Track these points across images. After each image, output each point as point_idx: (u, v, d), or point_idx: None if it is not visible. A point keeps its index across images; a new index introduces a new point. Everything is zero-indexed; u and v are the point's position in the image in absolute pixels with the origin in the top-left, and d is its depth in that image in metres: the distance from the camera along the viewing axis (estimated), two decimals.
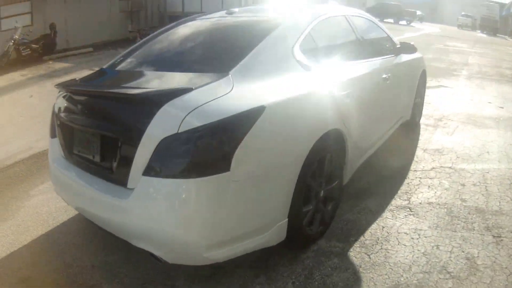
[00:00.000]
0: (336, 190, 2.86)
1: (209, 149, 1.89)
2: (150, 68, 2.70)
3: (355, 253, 2.65)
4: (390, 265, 2.53)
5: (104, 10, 14.42)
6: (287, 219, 2.30)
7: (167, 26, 3.33)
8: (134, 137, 1.98)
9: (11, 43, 10.52)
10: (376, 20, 4.24)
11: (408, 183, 3.67)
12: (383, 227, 2.96)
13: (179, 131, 1.86)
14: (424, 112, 5.73)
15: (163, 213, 1.93)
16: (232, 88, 2.11)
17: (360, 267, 2.50)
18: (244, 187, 2.01)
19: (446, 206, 3.23)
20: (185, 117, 1.89)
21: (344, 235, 2.86)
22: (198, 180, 1.86)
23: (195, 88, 2.06)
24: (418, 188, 3.56)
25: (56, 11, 12.72)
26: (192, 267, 2.38)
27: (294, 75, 2.48)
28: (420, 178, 3.76)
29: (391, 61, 4.00)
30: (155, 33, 3.25)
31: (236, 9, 3.34)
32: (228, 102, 2.02)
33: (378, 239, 2.81)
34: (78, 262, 2.63)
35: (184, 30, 3.16)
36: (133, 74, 2.65)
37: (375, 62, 3.60)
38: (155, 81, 2.43)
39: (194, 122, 1.88)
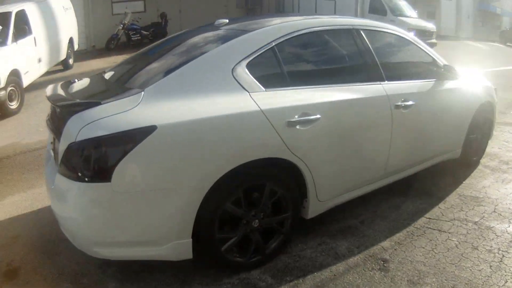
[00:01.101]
0: (286, 222, 2.64)
1: (93, 159, 2.03)
2: (111, 79, 2.83)
3: None
4: None
5: (220, 3, 14.86)
6: (190, 240, 2.27)
7: (161, 40, 3.48)
8: (60, 140, 2.25)
9: (120, 27, 11.80)
10: (415, 38, 3.61)
11: (407, 232, 3.11)
12: (335, 275, 2.60)
13: (76, 140, 2.06)
14: (491, 151, 4.78)
15: (65, 207, 2.22)
16: (136, 105, 2.12)
17: None
18: (126, 199, 2.08)
19: (430, 272, 2.62)
20: (82, 128, 2.06)
21: (283, 272, 2.61)
22: (82, 184, 2.05)
23: (103, 103, 2.17)
24: (415, 240, 2.98)
25: (170, 2, 13.58)
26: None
27: (228, 96, 2.29)
28: (428, 228, 3.14)
29: (420, 87, 3.39)
30: (152, 45, 3.42)
31: (226, 20, 3.07)
32: (124, 118, 2.07)
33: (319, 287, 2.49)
34: None
35: (163, 43, 3.25)
36: (90, 84, 2.88)
37: (383, 87, 3.04)
38: (96, 93, 2.63)
39: (88, 133, 2.04)
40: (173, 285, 2.49)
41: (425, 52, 3.60)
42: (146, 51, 3.31)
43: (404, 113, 3.16)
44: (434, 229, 3.16)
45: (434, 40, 12.83)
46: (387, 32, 3.37)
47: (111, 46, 12.06)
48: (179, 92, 2.23)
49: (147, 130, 2.03)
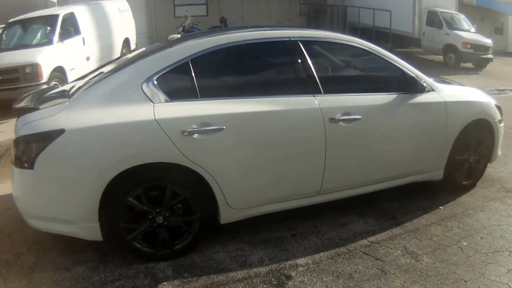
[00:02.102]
0: (194, 224, 2.72)
1: (23, 151, 2.51)
2: (71, 89, 3.06)
3: (171, 287, 2.49)
4: None
5: (284, 11, 14.72)
6: (97, 224, 2.51)
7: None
8: None
9: (180, 30, 12.30)
10: (379, 49, 3.21)
11: (334, 252, 2.82)
12: (228, 281, 2.54)
13: (17, 136, 2.57)
14: (497, 175, 4.13)
15: (13, 186, 2.71)
16: (58, 113, 2.51)
17: None
18: (45, 184, 2.49)
19: None
20: (21, 127, 2.55)
21: (186, 268, 2.67)
22: (18, 170, 2.53)
23: (40, 109, 2.61)
24: (335, 263, 2.70)
25: (232, 6, 13.75)
26: None
27: (141, 106, 2.52)
28: (362, 252, 2.81)
29: (372, 100, 3.06)
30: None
31: (177, 36, 3.26)
32: (46, 122, 2.48)
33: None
34: None
35: (123, 58, 3.52)
36: (55, 93, 3.16)
37: (315, 99, 2.83)
38: (48, 100, 2.88)
39: (23, 131, 2.52)
40: (93, 262, 2.72)
41: (392, 64, 3.20)
42: (106, 64, 3.59)
43: (344, 128, 2.90)
44: (368, 254, 2.82)
45: (490, 56, 12.08)
46: (338, 43, 3.10)
47: None
48: (94, 102, 2.54)
49: (58, 132, 2.42)
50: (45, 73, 6.63)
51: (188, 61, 2.65)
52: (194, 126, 2.51)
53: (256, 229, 3.08)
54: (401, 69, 3.22)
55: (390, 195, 3.55)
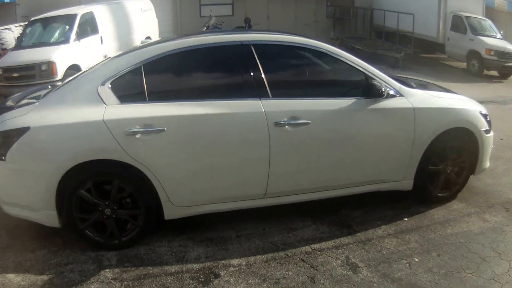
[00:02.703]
0: (139, 218, 2.79)
1: None
2: (48, 91, 3.15)
3: (110, 274, 2.58)
4: None
5: (310, 12, 14.42)
6: (55, 212, 2.67)
7: None
8: None
9: (204, 29, 12.34)
10: (341, 53, 3.01)
11: (271, 256, 2.70)
12: (160, 274, 2.56)
13: None
14: (485, 189, 3.74)
15: None
16: (28, 112, 2.70)
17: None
18: (14, 175, 2.68)
19: None
20: None
21: (129, 259, 2.72)
22: None
23: (16, 108, 2.80)
24: (268, 267, 2.58)
25: (258, 7, 13.62)
26: None
27: (95, 107, 2.64)
28: (299, 259, 2.66)
29: (323, 104, 2.90)
30: None
31: (148, 41, 3.30)
32: (17, 120, 2.66)
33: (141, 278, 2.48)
34: None
35: None
36: (38, 93, 3.24)
37: (261, 103, 2.75)
38: (26, 100, 3.04)
39: (0, 127, 2.70)
40: (55, 247, 2.86)
41: (352, 67, 2.99)
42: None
43: (291, 132, 2.78)
44: (304, 261, 2.67)
45: None
46: (295, 46, 2.97)
47: None
48: (57, 103, 2.73)
49: (24, 129, 2.61)
50: (60, 71, 6.94)
51: (140, 66, 2.74)
52: (137, 127, 2.59)
53: (207, 227, 3.06)
54: (362, 73, 3.01)
55: (356, 203, 3.35)
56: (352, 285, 2.42)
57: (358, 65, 2.99)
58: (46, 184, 2.59)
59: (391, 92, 3.00)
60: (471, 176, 3.55)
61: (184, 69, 2.87)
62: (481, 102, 3.76)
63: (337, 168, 3.00)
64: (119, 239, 2.77)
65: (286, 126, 2.75)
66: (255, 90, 2.77)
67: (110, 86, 2.68)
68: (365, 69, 3.00)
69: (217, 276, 2.53)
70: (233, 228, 3.04)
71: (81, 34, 7.69)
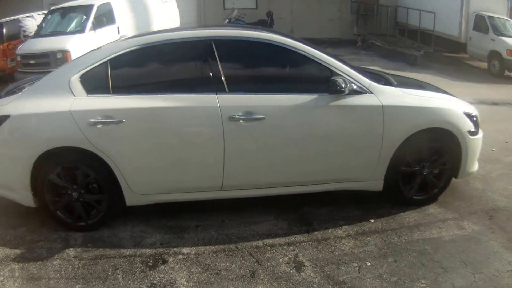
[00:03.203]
0: (103, 203, 2.89)
1: None
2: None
3: (73, 252, 2.71)
4: None
5: (334, 7, 13.84)
6: (30, 193, 2.81)
7: None
8: None
9: (226, 22, 12.29)
10: (306, 49, 2.87)
11: (209, 249, 2.65)
12: (115, 256, 2.64)
13: None
14: (470, 193, 3.41)
15: None
16: (11, 102, 2.85)
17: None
18: None
19: None
20: None
21: (93, 240, 2.83)
22: None
23: (2, 97, 2.97)
24: (200, 256, 2.54)
25: (282, 1, 13.27)
26: None
27: (64, 98, 2.75)
28: (227, 251, 2.60)
29: (280, 100, 2.80)
30: None
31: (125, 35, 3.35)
32: (1, 109, 2.81)
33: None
34: None
35: None
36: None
37: (216, 98, 2.73)
38: (15, 90, 3.15)
39: None
40: (33, 225, 3.01)
41: (316, 63, 2.85)
42: None
43: (245, 127, 2.73)
44: (252, 256, 2.61)
45: None
46: (256, 42, 2.88)
47: None
48: (36, 94, 2.86)
49: (5, 117, 2.76)
50: None
51: (107, 60, 2.81)
52: (99, 118, 2.69)
53: (172, 216, 3.08)
54: (327, 68, 2.85)
55: (326, 201, 3.22)
56: (290, 284, 2.34)
57: (322, 60, 2.84)
58: (23, 168, 2.75)
59: (355, 88, 2.81)
60: (460, 179, 3.29)
61: (146, 63, 2.91)
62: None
63: (295, 165, 2.88)
64: (86, 221, 2.89)
65: (241, 121, 2.70)
66: (212, 85, 2.75)
67: (79, 79, 2.78)
68: (330, 64, 2.84)
69: (165, 262, 2.56)
70: (195, 218, 3.04)
71: (97, 24, 7.80)
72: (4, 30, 8.33)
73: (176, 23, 11.21)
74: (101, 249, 2.71)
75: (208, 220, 3.02)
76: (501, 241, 2.72)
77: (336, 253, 2.58)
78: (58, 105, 2.71)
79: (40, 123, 2.74)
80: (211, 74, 2.76)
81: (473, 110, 3.20)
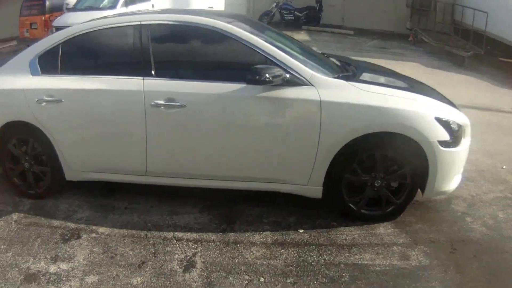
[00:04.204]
0: (47, 174, 2.98)
1: None
2: None
3: (16, 217, 2.82)
4: None
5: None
6: None
7: None
8: None
9: (274, 5, 11.74)
10: (244, 35, 2.50)
11: (135, 233, 2.53)
12: (45, 229, 2.70)
13: None
14: (434, 216, 2.73)
15: None
16: None
17: None
18: None
19: None
20: None
21: (28, 211, 2.89)
22: None
23: None
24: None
25: None
26: None
27: (29, 77, 2.86)
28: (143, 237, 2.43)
29: (203, 88, 2.52)
30: None
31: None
32: None
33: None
34: None
35: None
36: None
37: (142, 82, 2.57)
38: None
39: None
40: (8, 192, 3.16)
41: (254, 51, 2.48)
42: None
43: (166, 114, 2.54)
44: (154, 246, 2.44)
45: None
46: (188, 26, 2.63)
47: (264, 21, 12.36)
48: (5, 71, 2.99)
49: None
50: None
51: (59, 44, 2.85)
52: (44, 97, 2.76)
53: (112, 195, 3.06)
54: (262, 56, 2.46)
55: (263, 201, 2.86)
56: (167, 283, 2.14)
57: (257, 47, 2.46)
58: None
59: (289, 78, 2.38)
60: (440, 197, 2.72)
61: (88, 47, 2.90)
62: None
63: (218, 158, 2.60)
64: (35, 190, 3.04)
65: (162, 108, 2.52)
66: (141, 69, 2.62)
67: (37, 59, 2.88)
68: (265, 52, 2.45)
69: (78, 238, 2.57)
70: (128, 200, 2.97)
71: (130, 1, 7.78)
72: (47, 3, 8.72)
73: (220, 2, 10.86)
74: (38, 216, 2.81)
75: (138, 203, 2.92)
76: (447, 284, 2.09)
77: (236, 261, 2.27)
78: (16, 83, 2.86)
79: (2, 98, 2.93)
80: (142, 58, 2.62)
81: (453, 117, 2.49)
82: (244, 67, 2.44)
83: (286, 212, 2.71)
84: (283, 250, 2.32)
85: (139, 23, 2.67)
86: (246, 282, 2.09)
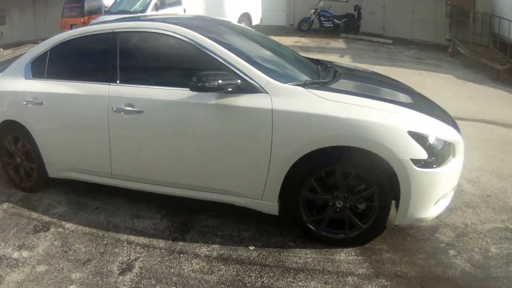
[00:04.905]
0: (34, 171, 3.14)
1: None
2: None
3: (6, 206, 2.99)
4: None
5: (428, 9, 11.65)
6: None
7: None
8: None
9: (312, 12, 11.48)
10: (204, 42, 2.43)
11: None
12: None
13: None
14: (429, 249, 2.36)
15: None
16: None
17: None
18: None
19: None
20: None
21: (15, 200, 3.09)
22: None
23: None
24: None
25: None
26: None
27: (22, 81, 3.09)
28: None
29: (159, 94, 2.48)
30: None
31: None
32: None
33: None
34: None
35: None
36: None
37: (108, 88, 2.63)
38: None
39: None
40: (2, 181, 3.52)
41: (211, 57, 2.39)
42: None
43: (126, 119, 2.59)
44: (104, 246, 2.45)
45: None
46: (153, 33, 2.63)
47: (303, 28, 12.23)
48: (6, 74, 3.25)
49: None
50: None
51: (48, 50, 3.06)
52: (30, 99, 3.00)
53: (91, 194, 3.12)
54: (218, 62, 2.38)
55: (226, 213, 2.72)
56: (100, 282, 2.16)
57: (213, 52, 2.40)
58: None
59: (240, 85, 2.26)
60: (426, 224, 2.39)
61: (70, 54, 3.03)
62: None
63: (176, 165, 2.58)
64: (25, 183, 3.28)
65: (122, 113, 2.60)
66: (108, 75, 2.71)
67: (31, 64, 3.12)
68: (220, 57, 2.37)
69: (46, 230, 2.70)
70: (102, 200, 3.05)
71: (160, 5, 7.98)
72: (86, 5, 9.13)
73: (256, 8, 10.75)
74: (22, 208, 3.02)
75: (110, 204, 3.00)
76: None
77: (172, 271, 2.22)
78: (12, 86, 3.14)
79: (1, 98, 3.23)
80: (110, 64, 2.72)
81: (435, 132, 2.16)
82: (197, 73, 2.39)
83: (245, 226, 2.59)
84: (223, 266, 2.21)
85: (111, 31, 2.78)
86: None
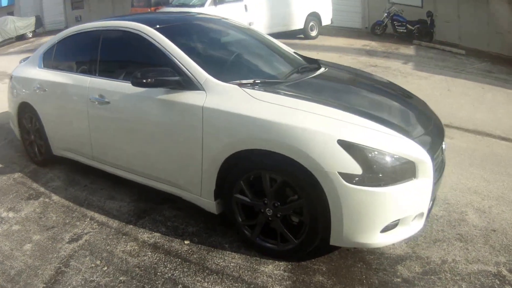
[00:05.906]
0: (42, 148, 3.57)
1: None
2: None
3: (17, 175, 3.52)
4: None
5: (504, 20, 9.92)
6: (18, 130, 3.92)
7: None
8: None
9: (385, 15, 10.72)
10: (161, 41, 2.54)
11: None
12: None
13: None
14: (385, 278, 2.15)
15: None
16: (17, 67, 3.94)
17: None
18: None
19: None
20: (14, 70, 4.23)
21: (27, 172, 3.61)
22: None
23: (20, 63, 4.05)
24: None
25: (449, 5, 10.73)
26: None
27: (36, 69, 3.58)
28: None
29: (122, 87, 2.67)
30: None
31: None
32: (12, 71, 4.03)
33: None
34: None
35: None
36: None
37: (90, 79, 2.92)
38: None
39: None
40: (21, 152, 4.08)
41: (164, 55, 2.48)
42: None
43: (99, 109, 2.90)
44: (72, 227, 2.70)
45: None
46: (124, 31, 2.81)
47: (376, 32, 11.48)
48: (27, 63, 3.82)
49: (11, 76, 3.95)
50: None
51: (56, 43, 3.56)
52: (38, 86, 3.50)
53: (87, 173, 3.35)
54: (166, 57, 2.48)
55: (187, 205, 2.72)
56: (48, 243, 2.41)
57: (163, 47, 2.53)
58: (13, 110, 3.84)
59: (179, 80, 2.32)
60: (395, 252, 2.13)
61: (69, 48, 3.43)
62: None
63: (134, 154, 2.77)
64: (38, 158, 3.77)
65: (96, 103, 2.92)
66: (91, 69, 3.06)
67: (43, 55, 3.66)
68: (169, 52, 2.48)
69: (37, 199, 3.05)
70: (92, 180, 3.29)
71: (219, 1, 8.11)
72: None
73: (325, 8, 10.29)
74: (28, 178, 3.50)
75: (95, 184, 3.30)
76: None
77: (106, 248, 2.36)
78: (28, 73, 3.69)
79: (19, 83, 3.81)
80: (94, 59, 3.05)
81: (384, 145, 1.91)
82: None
83: (196, 221, 2.65)
84: (150, 253, 2.34)
85: (97, 28, 3.15)
86: (93, 265, 2.22)
